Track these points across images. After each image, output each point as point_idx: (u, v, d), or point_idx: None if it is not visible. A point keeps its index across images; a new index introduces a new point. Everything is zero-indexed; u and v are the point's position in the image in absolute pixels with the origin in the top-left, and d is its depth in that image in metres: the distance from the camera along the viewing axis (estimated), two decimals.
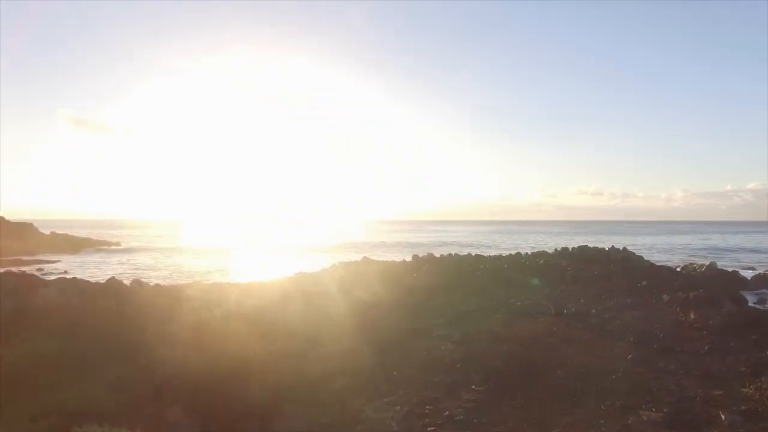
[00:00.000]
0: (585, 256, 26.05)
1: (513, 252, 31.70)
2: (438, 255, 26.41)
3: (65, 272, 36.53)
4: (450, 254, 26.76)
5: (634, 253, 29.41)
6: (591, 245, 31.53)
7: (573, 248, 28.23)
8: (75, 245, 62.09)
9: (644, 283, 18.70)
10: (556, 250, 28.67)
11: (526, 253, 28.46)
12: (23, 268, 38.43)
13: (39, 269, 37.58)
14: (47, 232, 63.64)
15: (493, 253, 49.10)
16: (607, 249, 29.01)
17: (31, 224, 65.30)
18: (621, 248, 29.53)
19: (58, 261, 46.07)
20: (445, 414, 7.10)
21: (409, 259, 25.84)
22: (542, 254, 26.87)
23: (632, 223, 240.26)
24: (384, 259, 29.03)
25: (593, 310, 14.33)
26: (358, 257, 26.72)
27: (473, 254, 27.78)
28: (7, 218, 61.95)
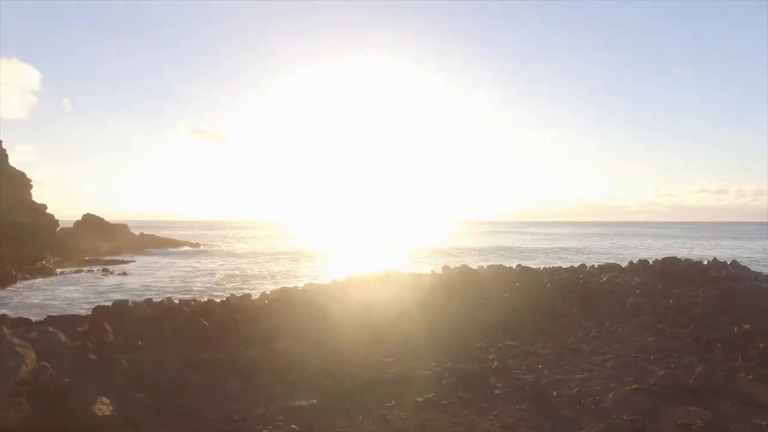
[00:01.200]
0: (669, 272, 20.18)
1: (602, 261, 26.47)
2: (476, 267, 22.29)
3: (124, 273, 37.55)
4: (490, 266, 22.49)
5: (748, 270, 22.67)
6: (702, 253, 24.96)
7: (655, 261, 22.32)
8: (158, 244, 65.63)
9: (746, 327, 12.45)
10: (631, 263, 23.02)
11: (593, 265, 23.10)
12: (93, 267, 40.20)
13: (104, 269, 39.01)
14: (137, 233, 68.05)
15: (575, 260, 43.35)
16: (706, 263, 22.59)
17: (126, 225, 70.29)
18: (727, 261, 22.93)
19: (133, 261, 48.14)
20: None
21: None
22: (611, 268, 21.51)
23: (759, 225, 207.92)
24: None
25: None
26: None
27: (526, 266, 23.14)
28: (104, 218, 67.17)
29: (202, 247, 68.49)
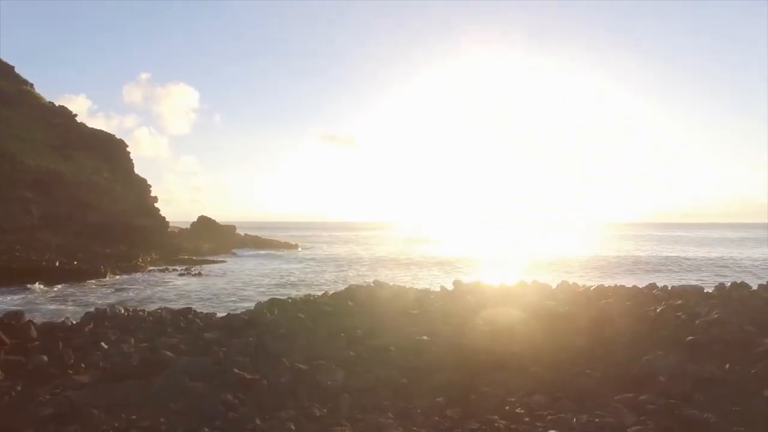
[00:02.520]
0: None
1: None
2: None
3: (199, 273, 39.46)
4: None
5: None
6: None
7: (760, 287, 16.34)
8: (258, 245, 69.28)
9: None
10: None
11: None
12: (179, 266, 42.92)
13: (187, 269, 41.50)
14: (242, 233, 72.68)
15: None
16: None
17: (234, 226, 75.58)
18: None
19: (223, 261, 50.96)
20: None
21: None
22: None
23: None
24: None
25: None
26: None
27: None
28: (216, 220, 72.86)
29: (299, 249, 70.79)
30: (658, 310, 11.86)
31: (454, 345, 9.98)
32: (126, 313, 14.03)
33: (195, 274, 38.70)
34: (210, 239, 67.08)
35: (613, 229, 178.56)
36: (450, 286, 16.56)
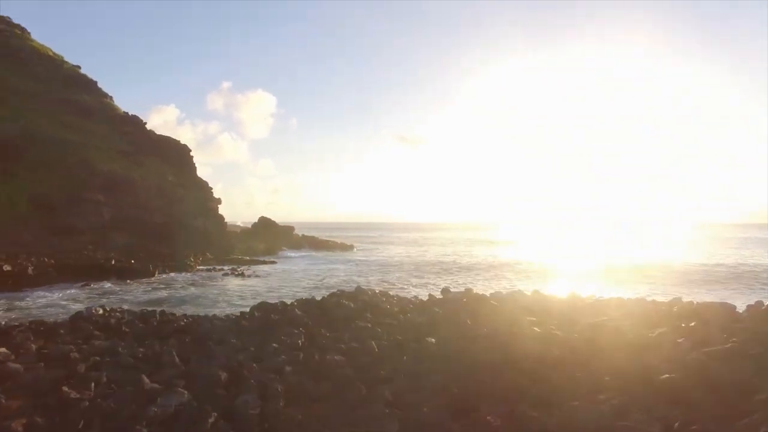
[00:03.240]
0: None
1: None
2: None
3: (242, 274, 40.68)
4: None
5: None
6: None
7: None
8: (314, 245, 70.57)
9: None
10: None
11: None
12: (227, 266, 44.57)
13: (233, 269, 43.01)
14: (300, 234, 74.45)
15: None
16: None
17: (292, 227, 77.70)
18: None
19: (273, 262, 52.38)
20: None
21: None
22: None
23: None
24: None
25: None
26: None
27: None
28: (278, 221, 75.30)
29: (354, 250, 71.31)
30: None
31: None
32: (104, 314, 14.49)
33: (238, 274, 39.99)
34: (267, 240, 69.43)
35: (704, 230, 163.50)
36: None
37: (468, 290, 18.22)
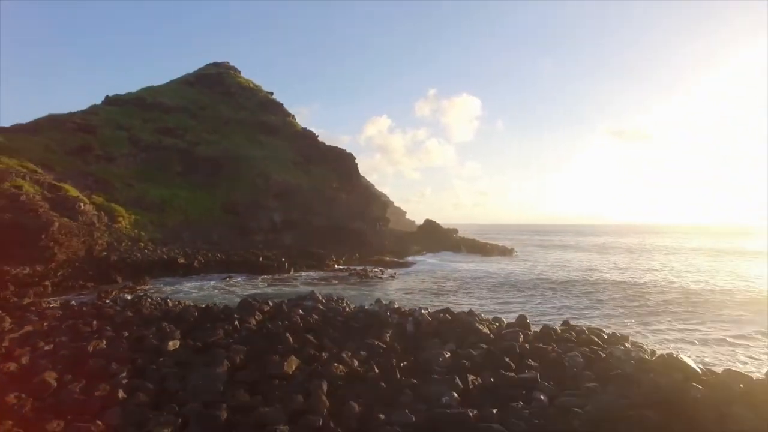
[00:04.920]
0: None
1: None
2: None
3: (363, 274, 42.10)
4: None
5: None
6: None
7: None
8: (471, 249, 68.56)
9: None
10: None
11: None
12: (362, 267, 46.82)
13: (364, 269, 44.90)
14: (460, 236, 73.19)
15: None
16: None
17: (455, 230, 77.03)
18: None
19: (413, 264, 52.85)
20: None
21: None
22: None
23: None
24: None
25: None
26: None
27: None
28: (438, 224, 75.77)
29: (514, 254, 67.06)
30: None
31: None
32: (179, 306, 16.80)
33: (361, 275, 41.56)
34: (425, 242, 70.34)
35: None
36: None
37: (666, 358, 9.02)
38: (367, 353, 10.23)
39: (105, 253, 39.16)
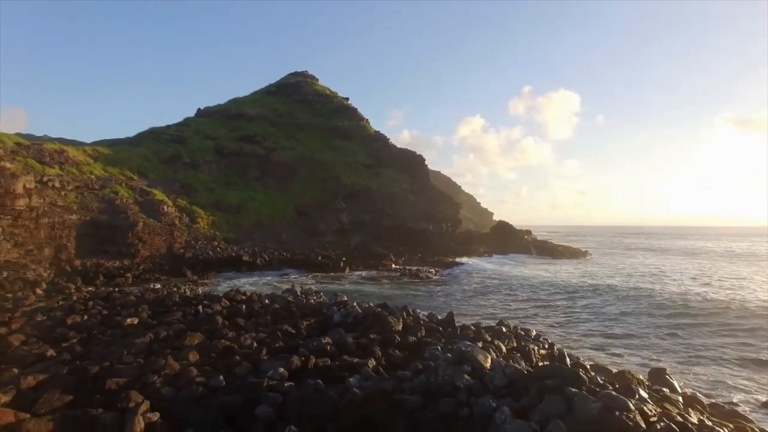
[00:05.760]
0: None
1: None
2: None
3: (417, 273, 42.85)
4: None
5: None
6: None
7: None
8: (541, 251, 66.10)
9: None
10: None
11: None
12: (415, 267, 47.71)
13: (418, 269, 45.65)
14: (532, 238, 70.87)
15: None
16: None
17: (529, 231, 74.77)
18: None
19: (470, 264, 52.53)
20: None
21: None
22: None
23: None
24: None
25: None
26: None
27: None
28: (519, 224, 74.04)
29: (587, 257, 63.63)
30: None
31: None
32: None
33: (413, 274, 42.36)
34: (497, 243, 69.10)
35: None
36: None
37: None
38: (266, 335, 11.55)
39: (182, 251, 43.89)
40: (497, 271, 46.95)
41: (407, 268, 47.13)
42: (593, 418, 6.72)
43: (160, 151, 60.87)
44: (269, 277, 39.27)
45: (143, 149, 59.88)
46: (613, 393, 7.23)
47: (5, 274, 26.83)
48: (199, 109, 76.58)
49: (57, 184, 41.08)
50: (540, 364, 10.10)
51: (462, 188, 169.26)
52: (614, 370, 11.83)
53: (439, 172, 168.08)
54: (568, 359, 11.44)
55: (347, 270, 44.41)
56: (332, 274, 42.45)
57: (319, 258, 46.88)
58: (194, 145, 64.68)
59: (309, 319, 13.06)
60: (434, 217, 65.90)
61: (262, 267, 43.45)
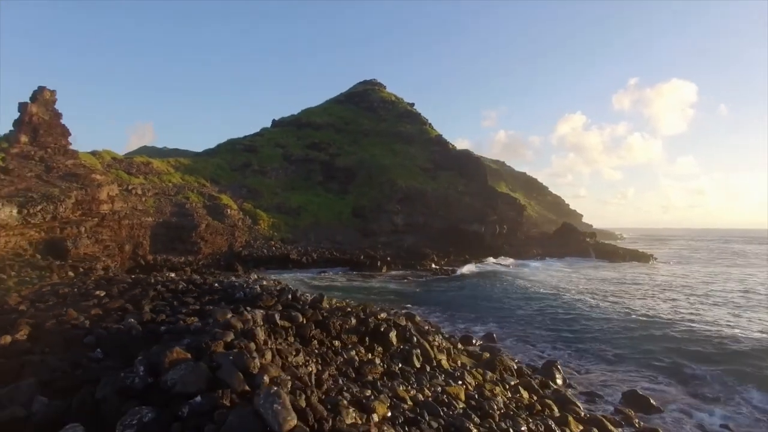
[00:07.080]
0: None
1: None
2: None
3: (448, 272, 44.36)
4: None
5: None
6: None
7: None
8: (602, 254, 63.51)
9: None
10: None
11: None
12: (451, 266, 49.17)
13: (453, 269, 47.08)
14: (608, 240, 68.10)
15: None
16: None
17: (593, 234, 71.94)
18: None
19: (507, 266, 52.48)
20: None
21: None
22: None
23: None
24: None
25: None
26: None
27: None
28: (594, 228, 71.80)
29: (653, 263, 60.04)
30: None
31: None
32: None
33: (443, 273, 43.98)
34: (557, 245, 67.56)
35: None
36: None
37: None
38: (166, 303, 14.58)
39: (241, 249, 49.41)
40: (513, 273, 46.68)
41: (444, 267, 48.66)
42: None
43: (233, 159, 67.98)
44: (310, 274, 43.09)
45: (219, 159, 67.30)
46: None
47: (83, 264, 33.22)
48: (273, 120, 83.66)
49: (139, 191, 48.49)
50: None
51: (549, 189, 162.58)
52: None
53: (525, 173, 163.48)
54: None
55: (384, 269, 47.01)
56: (367, 272, 45.33)
57: (362, 257, 50.00)
58: (265, 153, 71.16)
59: (214, 295, 15.94)
60: (487, 218, 66.13)
61: (308, 265, 47.53)
